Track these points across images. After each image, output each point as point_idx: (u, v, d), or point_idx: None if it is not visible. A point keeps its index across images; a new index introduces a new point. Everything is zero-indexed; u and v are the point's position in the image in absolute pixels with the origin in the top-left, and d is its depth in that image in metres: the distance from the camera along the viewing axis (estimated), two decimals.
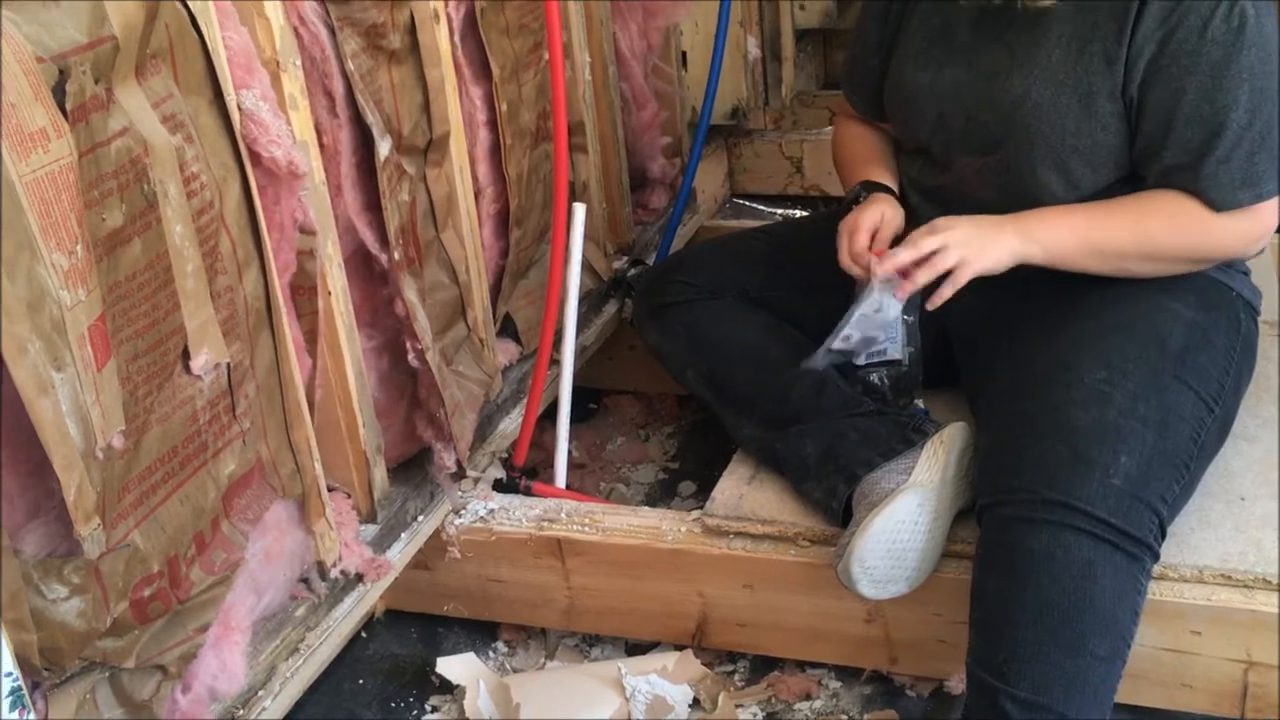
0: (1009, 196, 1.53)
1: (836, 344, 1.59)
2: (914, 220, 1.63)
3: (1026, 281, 1.49)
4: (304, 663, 1.36)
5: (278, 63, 1.22)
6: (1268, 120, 1.41)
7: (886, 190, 1.63)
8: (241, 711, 1.27)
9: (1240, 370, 1.51)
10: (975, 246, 1.44)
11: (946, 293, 1.45)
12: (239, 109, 1.15)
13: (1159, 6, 1.41)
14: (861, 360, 1.65)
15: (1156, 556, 1.33)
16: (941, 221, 1.47)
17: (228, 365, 1.15)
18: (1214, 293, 1.52)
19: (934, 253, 1.44)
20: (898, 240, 1.53)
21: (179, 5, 1.06)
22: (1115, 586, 1.29)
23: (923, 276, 1.45)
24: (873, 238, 1.54)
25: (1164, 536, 1.34)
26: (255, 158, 1.18)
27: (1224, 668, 1.41)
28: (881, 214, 1.56)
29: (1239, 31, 1.39)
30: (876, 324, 1.57)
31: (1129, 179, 1.50)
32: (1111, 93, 1.45)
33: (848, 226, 1.55)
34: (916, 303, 1.56)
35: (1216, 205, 1.44)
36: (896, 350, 1.63)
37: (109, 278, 1.00)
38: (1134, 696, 1.43)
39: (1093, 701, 1.29)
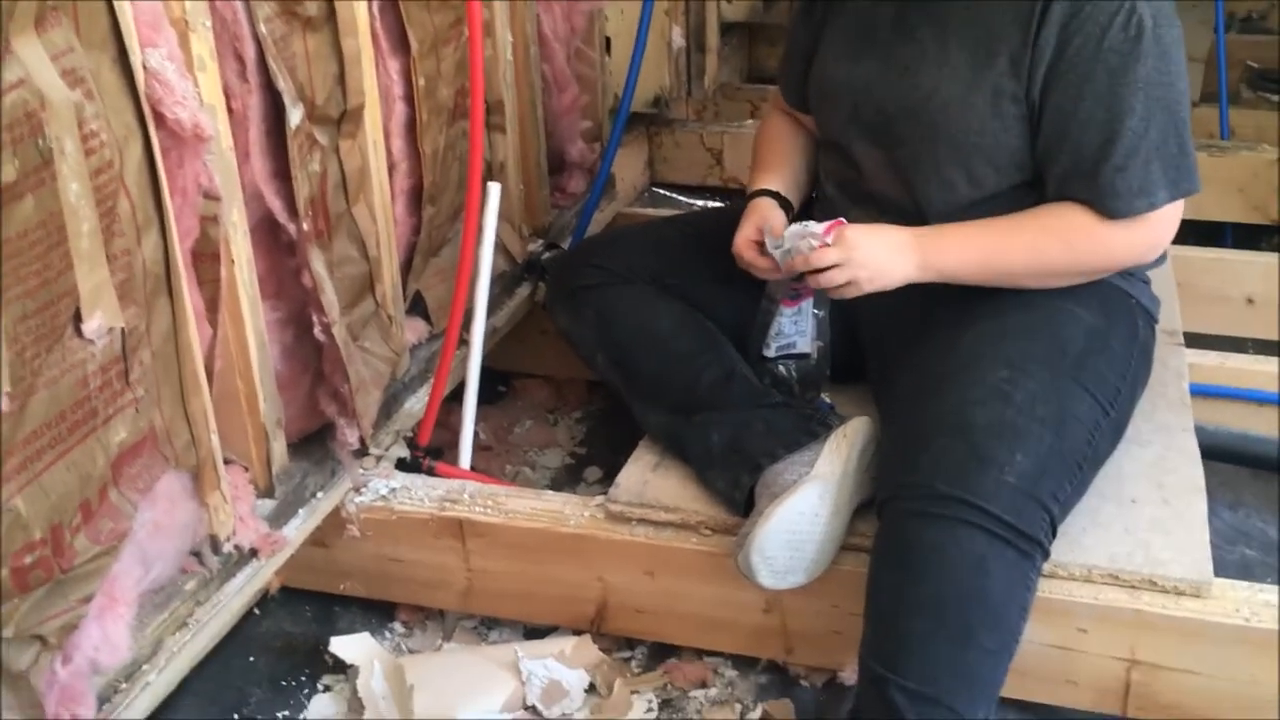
0: (913, 192, 1.55)
1: (773, 352, 1.64)
2: (830, 208, 1.65)
3: (934, 283, 1.51)
4: (192, 638, 1.33)
5: (186, 22, 1.19)
6: (1163, 129, 1.44)
7: (771, 194, 1.66)
8: (124, 685, 1.24)
9: (1136, 376, 1.55)
10: (870, 270, 1.47)
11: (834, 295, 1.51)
12: (144, 68, 1.12)
13: (1060, 11, 1.43)
14: (771, 352, 1.67)
15: (1047, 554, 1.36)
16: (850, 236, 1.47)
17: (122, 330, 1.12)
18: (1115, 299, 1.55)
19: (830, 267, 1.47)
20: (819, 216, 1.54)
21: None
22: (1006, 582, 1.31)
23: (811, 283, 1.50)
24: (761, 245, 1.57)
25: (1055, 535, 1.36)
26: (159, 118, 1.15)
27: (1108, 665, 1.44)
28: (760, 222, 1.60)
29: (1136, 41, 1.42)
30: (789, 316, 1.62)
31: (1032, 183, 1.52)
32: (1015, 95, 1.47)
33: (735, 249, 1.60)
34: (826, 298, 1.57)
35: (1113, 213, 1.46)
36: (806, 344, 1.65)
37: None
38: (1020, 691, 1.46)
39: (979, 694, 1.31)
